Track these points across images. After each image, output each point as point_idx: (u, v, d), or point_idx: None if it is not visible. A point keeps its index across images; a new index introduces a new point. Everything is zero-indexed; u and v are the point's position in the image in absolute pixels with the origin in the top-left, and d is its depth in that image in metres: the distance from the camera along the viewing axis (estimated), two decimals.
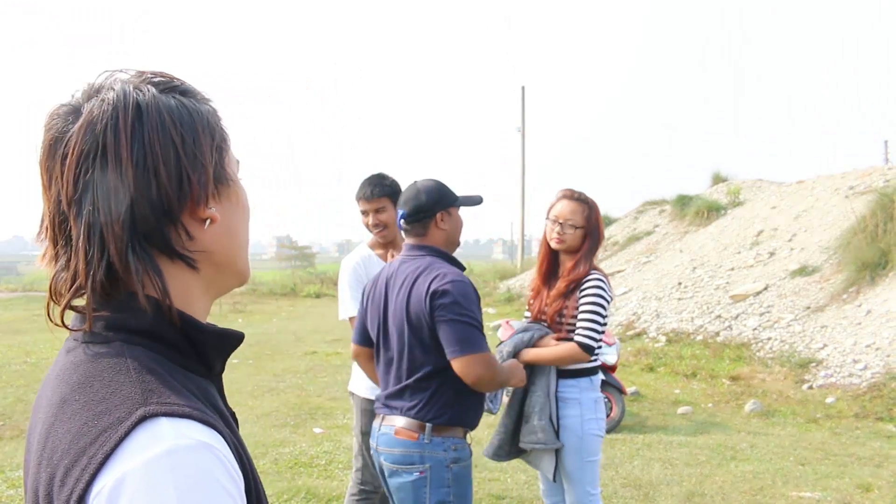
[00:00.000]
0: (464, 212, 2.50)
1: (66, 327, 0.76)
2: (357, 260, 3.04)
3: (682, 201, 17.51)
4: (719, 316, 10.34)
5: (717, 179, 19.32)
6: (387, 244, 3.06)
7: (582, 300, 2.79)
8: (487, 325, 13.42)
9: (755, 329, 9.50)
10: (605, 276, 2.87)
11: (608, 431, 5.97)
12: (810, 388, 7.52)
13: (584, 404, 2.79)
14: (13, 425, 6.02)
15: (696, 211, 16.45)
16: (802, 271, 10.42)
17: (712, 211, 16.12)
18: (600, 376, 2.94)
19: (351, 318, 2.96)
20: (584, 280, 2.81)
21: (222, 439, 0.66)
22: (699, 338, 9.96)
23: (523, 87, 26.87)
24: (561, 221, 2.86)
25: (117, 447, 0.61)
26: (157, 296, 0.73)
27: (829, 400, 7.07)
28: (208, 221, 0.77)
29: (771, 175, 24.76)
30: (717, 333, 9.87)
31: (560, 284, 2.86)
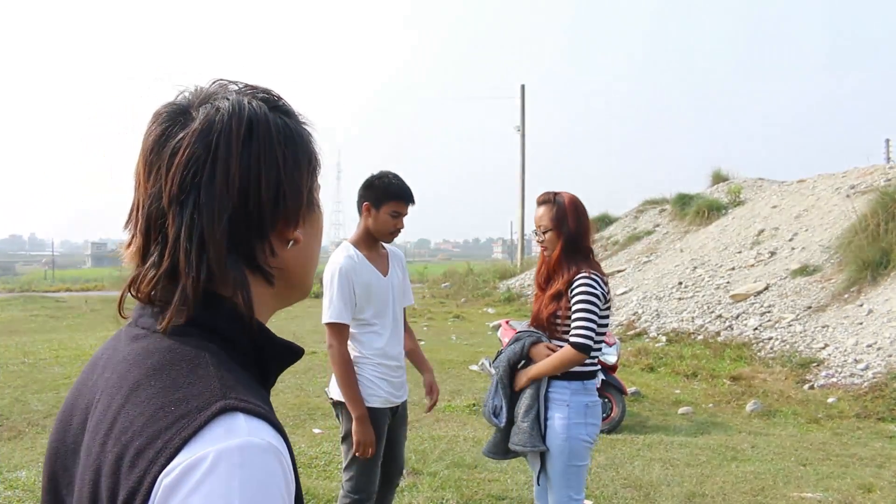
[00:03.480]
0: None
1: (123, 316, 0.81)
2: (344, 261, 2.90)
3: (683, 200, 17.51)
4: (720, 316, 10.32)
5: (718, 178, 19.32)
6: (374, 244, 3.00)
7: (573, 300, 2.74)
8: (487, 325, 13.40)
9: (756, 329, 9.48)
10: (598, 274, 2.79)
11: (608, 432, 5.95)
12: (811, 388, 7.50)
13: (572, 407, 2.73)
14: (10, 426, 5.99)
15: (697, 210, 16.45)
16: (803, 271, 10.40)
17: (713, 210, 16.11)
18: (597, 381, 2.87)
19: (332, 324, 2.84)
20: (573, 281, 2.76)
21: (286, 446, 0.69)
22: (700, 338, 9.95)
23: (523, 86, 26.82)
24: (535, 228, 2.87)
25: (195, 434, 0.63)
26: (240, 303, 0.75)
27: (831, 400, 7.04)
28: (292, 242, 0.80)
29: (771, 174, 24.73)
30: (718, 333, 9.85)
31: (552, 288, 2.83)
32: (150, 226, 0.75)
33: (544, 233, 2.83)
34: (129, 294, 0.79)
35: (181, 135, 0.74)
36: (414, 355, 3.25)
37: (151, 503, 0.62)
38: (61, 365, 8.80)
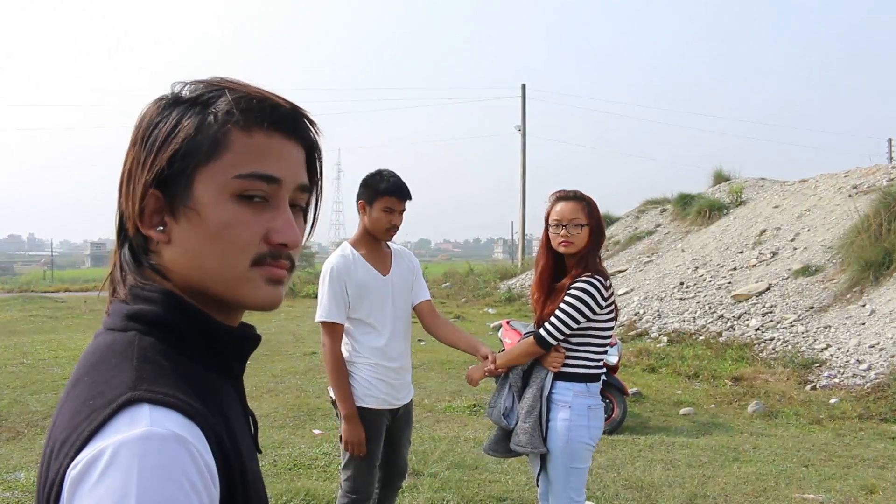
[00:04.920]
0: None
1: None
2: (336, 260, 2.90)
3: (684, 200, 17.48)
4: (721, 316, 10.29)
5: (720, 178, 19.30)
6: (375, 243, 2.96)
7: (564, 297, 2.71)
8: (487, 325, 13.38)
9: (758, 329, 9.45)
10: (600, 277, 2.72)
11: (610, 432, 5.93)
12: (813, 388, 7.47)
13: (574, 409, 2.70)
14: (9, 427, 5.96)
15: (698, 210, 16.41)
16: (805, 271, 10.37)
17: (714, 210, 16.07)
18: (600, 384, 2.82)
19: (325, 323, 2.84)
20: (574, 281, 2.71)
21: (202, 436, 0.66)
22: (701, 338, 9.92)
23: (524, 86, 26.84)
24: (565, 223, 2.75)
25: (101, 427, 0.64)
26: (170, 293, 0.78)
27: (833, 401, 7.01)
28: (157, 241, 0.78)
29: (773, 174, 24.73)
30: (720, 334, 9.82)
31: (557, 285, 2.77)
32: None
33: (578, 226, 2.75)
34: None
35: None
36: (457, 340, 3.06)
37: (62, 496, 0.63)
38: (60, 365, 8.78)
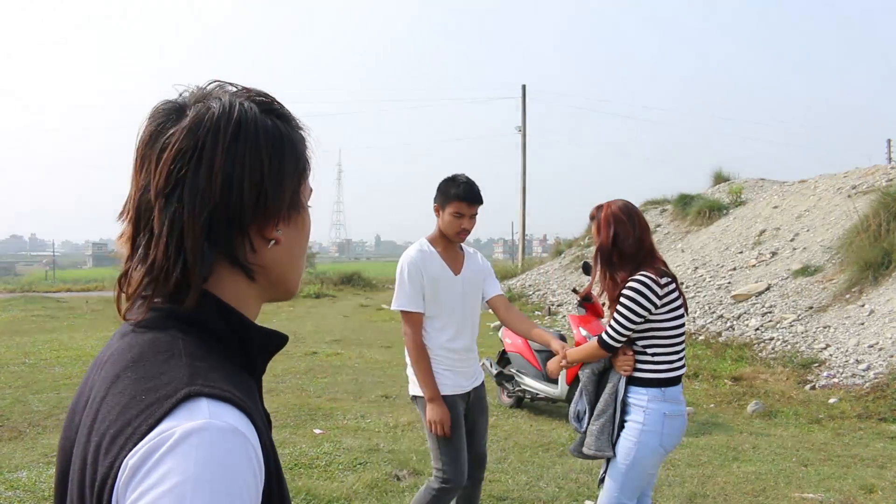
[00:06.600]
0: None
1: (123, 318, 0.81)
2: (415, 253, 3.08)
3: (684, 201, 17.46)
4: (721, 316, 10.30)
5: (719, 179, 19.29)
6: (449, 244, 3.12)
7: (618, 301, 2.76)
8: (488, 325, 13.40)
9: (757, 329, 9.46)
10: (649, 274, 2.69)
11: None
12: (813, 388, 7.48)
13: (648, 414, 2.68)
14: (11, 426, 5.98)
15: (698, 210, 16.40)
16: (805, 271, 10.38)
17: (714, 210, 16.07)
18: (679, 388, 2.75)
19: (405, 312, 3.01)
20: (624, 285, 2.75)
21: (255, 431, 0.69)
22: (701, 338, 9.93)
23: (524, 86, 26.86)
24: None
25: (160, 421, 0.65)
26: (219, 296, 0.79)
27: (832, 400, 7.03)
28: (273, 241, 0.81)
29: (773, 174, 24.75)
30: (719, 334, 9.84)
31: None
32: (140, 217, 0.78)
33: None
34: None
35: (172, 130, 0.77)
36: (529, 331, 3.24)
37: (116, 484, 0.64)
38: (62, 365, 8.80)
